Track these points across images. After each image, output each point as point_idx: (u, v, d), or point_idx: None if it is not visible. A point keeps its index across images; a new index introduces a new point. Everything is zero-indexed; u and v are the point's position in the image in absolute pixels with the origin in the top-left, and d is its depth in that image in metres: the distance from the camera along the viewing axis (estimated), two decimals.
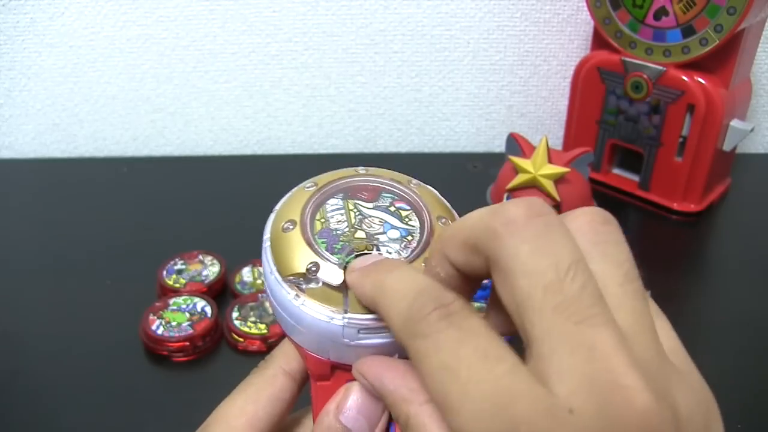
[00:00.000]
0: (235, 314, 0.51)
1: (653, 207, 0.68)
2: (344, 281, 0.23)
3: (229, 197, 0.70)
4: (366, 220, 0.25)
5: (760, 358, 0.50)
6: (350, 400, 0.23)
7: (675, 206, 0.67)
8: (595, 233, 0.19)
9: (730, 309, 0.55)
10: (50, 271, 0.59)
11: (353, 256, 0.23)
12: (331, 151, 0.83)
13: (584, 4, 0.66)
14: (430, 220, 0.25)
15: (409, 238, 0.24)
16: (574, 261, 0.17)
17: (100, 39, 0.74)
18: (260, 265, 0.57)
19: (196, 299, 0.53)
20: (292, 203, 0.25)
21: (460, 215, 0.64)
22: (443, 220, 0.25)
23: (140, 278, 0.56)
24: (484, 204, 0.65)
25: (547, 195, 0.54)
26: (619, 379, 0.15)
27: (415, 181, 0.27)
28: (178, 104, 0.79)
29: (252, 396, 0.25)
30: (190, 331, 0.49)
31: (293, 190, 0.26)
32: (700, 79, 0.61)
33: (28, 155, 0.81)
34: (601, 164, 0.71)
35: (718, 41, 0.59)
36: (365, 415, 0.23)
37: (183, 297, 0.53)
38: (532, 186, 0.55)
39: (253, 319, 0.51)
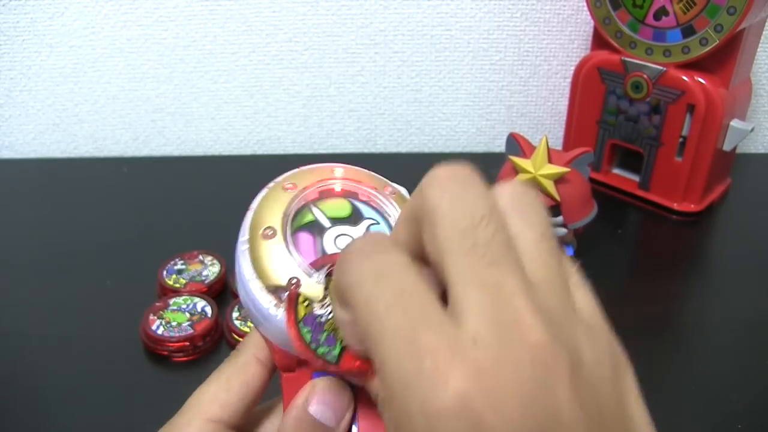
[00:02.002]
0: (235, 314, 0.51)
1: (653, 207, 0.68)
2: (324, 298, 0.23)
3: (229, 197, 0.70)
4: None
5: (760, 358, 0.50)
6: (318, 393, 0.24)
7: (675, 206, 0.67)
8: (514, 196, 0.20)
9: (730, 309, 0.55)
10: (50, 271, 0.59)
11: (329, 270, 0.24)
12: (331, 151, 0.83)
13: (584, 4, 0.66)
14: None
15: None
16: (488, 211, 0.18)
17: (100, 39, 0.74)
18: None
19: (197, 299, 0.53)
20: (271, 205, 0.26)
21: None
22: None
23: (140, 278, 0.56)
24: None
25: (548, 195, 0.54)
26: (519, 316, 0.17)
27: (390, 188, 0.27)
28: (179, 104, 0.79)
29: (224, 383, 0.26)
30: (190, 331, 0.49)
31: (270, 186, 0.26)
32: (700, 79, 0.61)
33: (29, 155, 0.81)
34: (601, 164, 0.71)
35: (718, 41, 0.59)
36: (332, 407, 0.24)
37: (183, 297, 0.53)
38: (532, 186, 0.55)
39: None
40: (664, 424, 0.47)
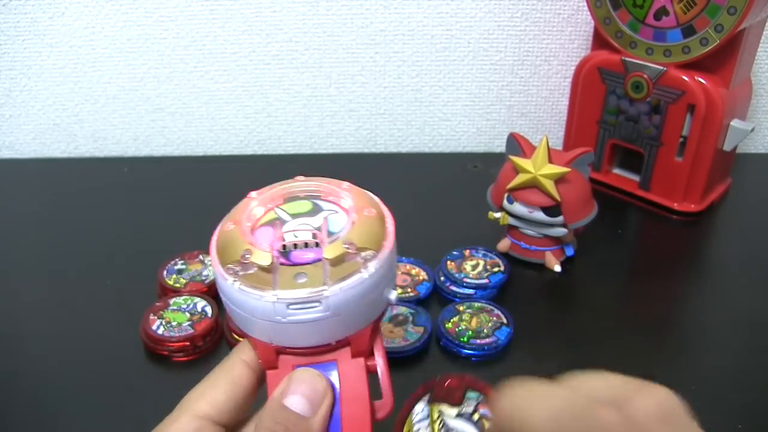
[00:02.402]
0: None
1: (653, 207, 0.68)
2: (272, 263, 0.26)
3: (229, 197, 0.70)
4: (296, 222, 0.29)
5: (760, 358, 0.50)
6: (292, 384, 0.25)
7: (675, 206, 0.67)
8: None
9: (731, 309, 0.55)
10: (50, 271, 0.59)
11: (282, 245, 0.27)
12: (331, 150, 0.83)
13: (584, 3, 0.66)
14: (356, 212, 0.28)
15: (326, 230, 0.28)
16: None
17: (101, 39, 0.74)
18: None
19: (197, 299, 0.53)
20: (236, 211, 0.30)
21: (460, 214, 0.64)
22: (368, 210, 0.29)
23: (140, 278, 0.56)
24: (484, 203, 0.64)
25: (548, 195, 0.54)
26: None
27: (346, 183, 0.30)
28: (179, 104, 0.79)
29: (212, 383, 0.27)
30: (191, 331, 0.49)
31: (241, 201, 0.31)
32: (701, 79, 0.61)
33: (29, 155, 0.81)
34: (601, 164, 0.71)
35: (718, 41, 0.59)
36: (307, 397, 0.25)
37: (183, 297, 0.53)
38: (532, 186, 0.55)
39: None
40: None
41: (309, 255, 0.27)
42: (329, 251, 0.26)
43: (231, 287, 0.26)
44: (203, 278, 0.55)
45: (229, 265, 0.27)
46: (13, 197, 0.72)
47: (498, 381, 0.50)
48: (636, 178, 0.70)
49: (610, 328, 0.53)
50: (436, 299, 0.55)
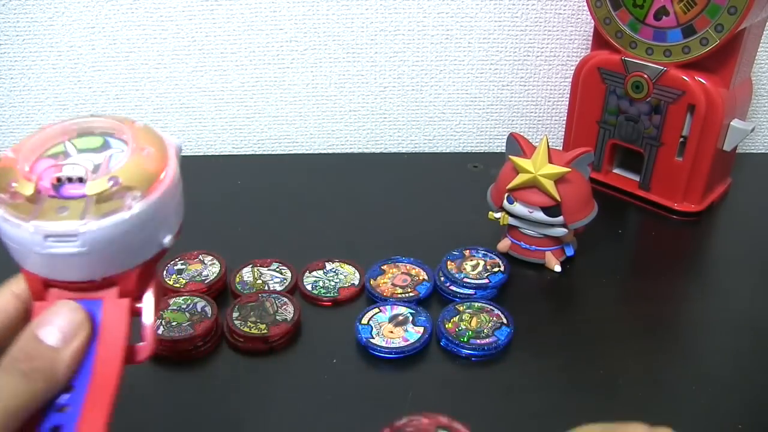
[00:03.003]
0: (235, 314, 0.51)
1: (654, 207, 0.68)
2: (35, 193, 0.27)
3: (229, 197, 0.70)
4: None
5: (760, 358, 0.50)
6: (49, 316, 0.26)
7: (675, 206, 0.67)
8: None
9: (731, 309, 0.55)
10: None
11: (56, 177, 0.27)
12: (331, 150, 0.83)
13: (585, 3, 0.66)
14: (134, 151, 0.28)
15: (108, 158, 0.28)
16: None
17: (101, 39, 0.74)
18: (260, 265, 0.57)
19: (197, 299, 0.53)
20: (24, 140, 0.29)
21: (460, 214, 0.64)
22: (147, 150, 0.28)
23: None
24: (484, 203, 0.64)
25: (548, 195, 0.54)
26: None
27: (143, 123, 0.30)
28: (178, 104, 0.79)
29: None
30: (191, 331, 0.49)
31: (36, 130, 0.30)
32: (701, 79, 0.61)
33: None
34: (601, 164, 0.71)
35: (718, 41, 0.59)
36: (60, 329, 0.26)
37: (183, 297, 0.53)
38: (532, 186, 0.55)
39: (253, 319, 0.51)
40: (664, 424, 0.46)
41: (80, 191, 0.27)
42: (92, 187, 0.27)
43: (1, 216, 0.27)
44: (203, 278, 0.55)
45: None
46: None
47: (498, 381, 0.49)
48: (636, 178, 0.70)
49: (610, 328, 0.53)
50: (436, 299, 0.55)
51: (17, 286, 0.29)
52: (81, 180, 0.27)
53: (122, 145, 0.29)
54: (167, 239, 0.29)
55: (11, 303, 0.29)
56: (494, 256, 0.58)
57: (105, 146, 0.29)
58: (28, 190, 0.27)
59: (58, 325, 0.27)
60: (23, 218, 0.26)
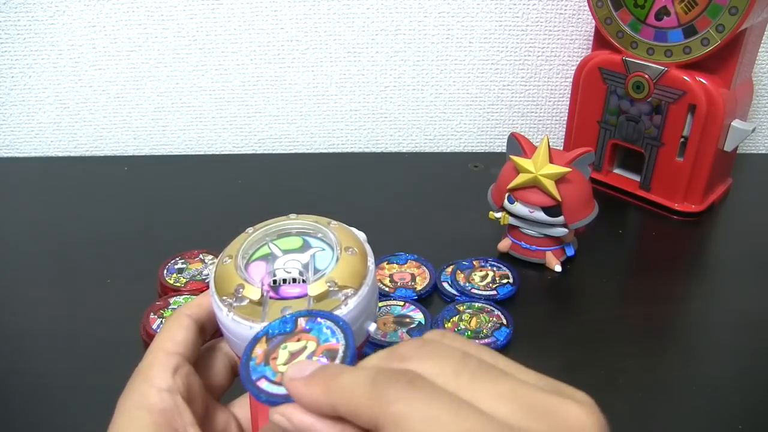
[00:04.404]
0: None
1: (654, 207, 0.68)
2: (261, 296, 0.29)
3: (229, 196, 0.70)
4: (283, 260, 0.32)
5: (760, 358, 0.50)
6: None
7: (676, 206, 0.67)
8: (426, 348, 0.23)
9: (731, 309, 0.55)
10: (51, 270, 0.59)
11: (272, 280, 0.30)
12: (332, 150, 0.83)
13: (586, 3, 0.66)
14: (339, 250, 0.31)
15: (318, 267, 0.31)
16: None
17: (101, 38, 0.74)
18: None
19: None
20: (234, 244, 0.33)
21: (461, 214, 0.64)
22: (350, 250, 0.31)
23: (141, 277, 0.56)
24: (485, 203, 0.64)
25: (548, 195, 0.54)
26: (550, 404, 0.21)
27: (334, 222, 0.33)
28: (179, 103, 0.79)
29: (165, 330, 0.31)
30: None
31: (239, 235, 0.33)
32: (702, 79, 0.61)
33: (29, 154, 0.81)
34: (602, 164, 0.71)
35: (719, 41, 0.59)
36: None
37: (184, 296, 0.53)
38: (533, 186, 0.55)
39: None
40: (664, 424, 0.47)
41: (296, 290, 0.30)
42: (313, 288, 0.29)
43: (226, 317, 0.29)
44: (204, 277, 0.55)
45: (225, 297, 0.30)
46: (13, 196, 0.72)
47: None
48: (637, 178, 0.70)
49: (610, 328, 0.53)
50: (436, 298, 0.55)
51: (189, 309, 0.32)
52: (295, 280, 0.31)
53: (321, 243, 0.32)
54: (372, 327, 0.31)
55: (189, 323, 0.31)
56: (504, 268, 0.58)
57: (305, 246, 0.32)
58: (255, 294, 0.29)
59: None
60: (254, 321, 0.29)
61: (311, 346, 0.27)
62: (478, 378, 0.21)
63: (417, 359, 0.22)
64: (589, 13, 0.66)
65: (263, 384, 0.26)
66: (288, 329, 0.28)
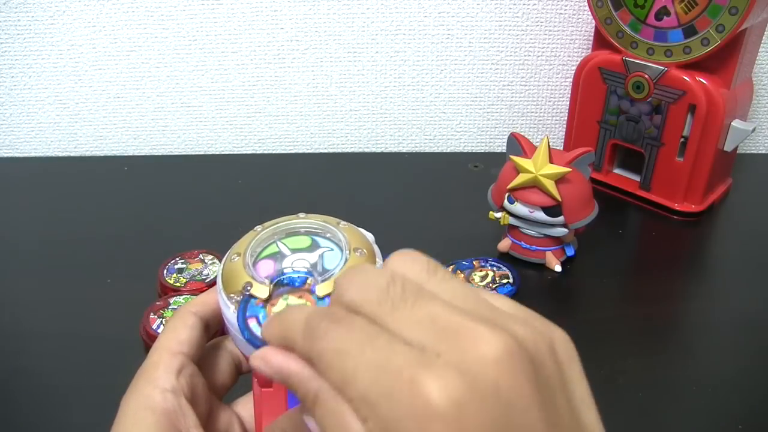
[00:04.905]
0: None
1: (654, 207, 0.68)
2: (269, 296, 0.29)
3: (229, 196, 0.70)
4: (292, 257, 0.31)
5: (760, 358, 0.50)
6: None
7: (676, 206, 0.67)
8: (400, 263, 0.24)
9: (731, 309, 0.55)
10: (51, 270, 0.59)
11: (278, 278, 0.30)
12: (331, 150, 0.83)
13: (586, 3, 0.66)
14: (348, 251, 0.31)
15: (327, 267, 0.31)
16: (389, 278, 0.23)
17: (101, 38, 0.74)
18: None
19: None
20: (242, 241, 0.32)
21: (461, 214, 0.64)
22: (359, 251, 0.31)
23: (141, 277, 0.56)
24: (485, 203, 0.64)
25: (548, 195, 0.54)
26: (459, 326, 0.21)
27: (343, 222, 0.33)
28: (179, 103, 0.79)
29: (170, 329, 0.31)
30: None
31: (248, 232, 0.33)
32: (702, 79, 0.61)
33: (29, 154, 0.81)
34: (602, 164, 0.71)
35: (719, 41, 0.59)
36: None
37: (184, 296, 0.53)
38: (533, 186, 0.55)
39: None
40: (664, 424, 0.47)
41: (305, 290, 0.30)
42: (321, 289, 0.29)
43: (233, 315, 0.29)
44: (203, 277, 0.55)
45: (232, 295, 0.30)
46: (13, 196, 0.72)
47: None
48: (637, 178, 0.70)
49: (610, 327, 0.53)
50: None
51: (192, 306, 0.31)
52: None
53: (329, 243, 0.32)
54: None
55: (194, 321, 0.31)
56: (504, 268, 0.58)
57: (314, 245, 0.32)
58: (263, 293, 0.29)
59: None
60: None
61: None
62: (399, 306, 0.22)
63: (348, 291, 0.23)
64: (589, 13, 0.66)
65: (252, 323, 0.28)
66: (296, 284, 0.29)
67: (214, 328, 0.32)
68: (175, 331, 0.30)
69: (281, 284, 0.30)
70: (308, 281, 0.29)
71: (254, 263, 0.31)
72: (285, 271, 0.31)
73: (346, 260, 0.31)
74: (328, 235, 0.32)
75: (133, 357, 0.50)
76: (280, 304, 0.28)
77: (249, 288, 0.29)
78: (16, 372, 0.49)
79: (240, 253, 0.31)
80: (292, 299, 0.28)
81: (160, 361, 0.30)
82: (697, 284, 0.59)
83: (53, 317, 0.54)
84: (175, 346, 0.30)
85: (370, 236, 0.33)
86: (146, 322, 0.50)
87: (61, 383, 0.48)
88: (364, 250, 0.31)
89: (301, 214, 0.34)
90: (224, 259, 0.32)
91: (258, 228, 0.33)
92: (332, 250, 0.32)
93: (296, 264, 0.31)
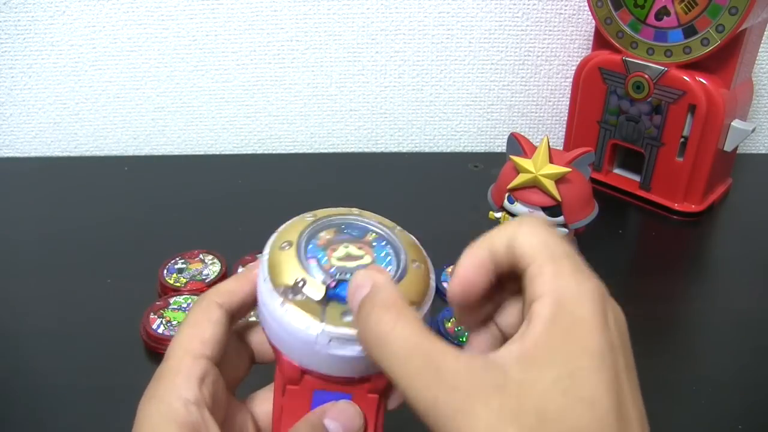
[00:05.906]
0: None
1: (654, 207, 0.68)
2: (324, 297, 0.27)
3: (229, 196, 0.70)
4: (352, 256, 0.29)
5: (761, 358, 0.50)
6: (335, 410, 0.28)
7: (676, 206, 0.67)
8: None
9: (731, 309, 0.55)
10: (51, 270, 0.59)
11: (335, 278, 0.27)
12: (332, 150, 0.83)
13: (586, 3, 0.66)
14: (406, 261, 0.29)
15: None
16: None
17: (101, 38, 0.74)
18: None
19: (197, 298, 0.53)
20: (292, 228, 0.30)
21: (461, 214, 0.65)
22: (416, 264, 0.29)
23: (141, 277, 0.56)
24: (485, 203, 0.64)
25: (548, 195, 0.54)
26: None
27: (398, 227, 0.32)
28: (179, 103, 0.79)
29: (193, 324, 0.29)
30: None
31: (295, 218, 0.30)
32: (702, 79, 0.61)
33: (29, 154, 0.81)
34: (602, 164, 0.71)
35: (719, 41, 0.59)
36: (344, 426, 0.28)
37: (184, 296, 0.53)
38: (533, 186, 0.55)
39: (253, 318, 0.51)
40: (664, 424, 0.47)
41: None
42: None
43: (279, 308, 0.27)
44: (204, 277, 0.55)
45: (280, 287, 0.27)
46: (14, 196, 0.72)
47: None
48: (637, 178, 0.70)
49: None
50: (436, 298, 0.55)
51: (217, 296, 0.30)
52: None
53: (386, 248, 0.30)
54: None
55: (220, 314, 0.29)
56: None
57: (367, 245, 0.30)
58: (318, 293, 0.27)
59: (341, 421, 0.28)
60: (313, 320, 0.27)
61: (367, 259, 0.28)
62: None
63: None
64: (589, 13, 0.66)
65: (312, 263, 0.27)
66: (358, 234, 0.29)
67: (238, 320, 0.30)
68: (199, 327, 0.28)
69: (336, 284, 0.28)
70: (368, 235, 0.29)
71: (308, 257, 0.28)
72: (339, 269, 0.28)
73: (405, 272, 0.29)
74: (385, 240, 0.30)
75: (133, 357, 0.50)
76: (340, 251, 0.28)
77: (301, 284, 0.27)
78: (16, 372, 0.49)
79: (291, 243, 0.29)
80: (353, 249, 0.28)
81: (182, 367, 0.28)
82: (697, 284, 0.59)
83: (53, 317, 0.54)
84: (198, 348, 0.28)
85: (419, 245, 0.32)
86: (146, 322, 0.50)
87: (61, 383, 0.48)
88: (421, 264, 0.30)
89: (355, 210, 0.32)
90: (270, 244, 0.29)
91: (308, 216, 0.30)
92: (389, 256, 0.30)
93: (348, 261, 0.29)
